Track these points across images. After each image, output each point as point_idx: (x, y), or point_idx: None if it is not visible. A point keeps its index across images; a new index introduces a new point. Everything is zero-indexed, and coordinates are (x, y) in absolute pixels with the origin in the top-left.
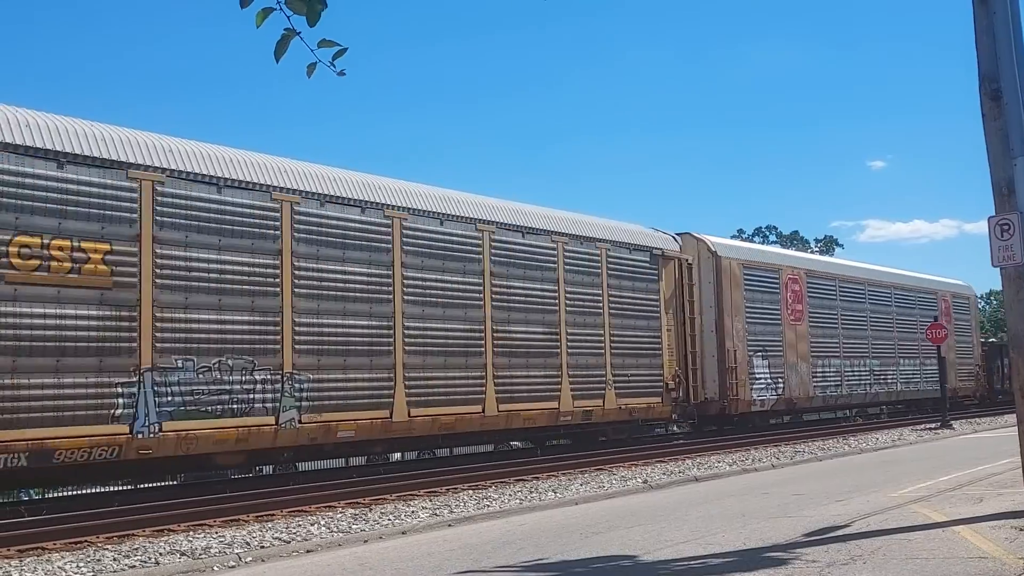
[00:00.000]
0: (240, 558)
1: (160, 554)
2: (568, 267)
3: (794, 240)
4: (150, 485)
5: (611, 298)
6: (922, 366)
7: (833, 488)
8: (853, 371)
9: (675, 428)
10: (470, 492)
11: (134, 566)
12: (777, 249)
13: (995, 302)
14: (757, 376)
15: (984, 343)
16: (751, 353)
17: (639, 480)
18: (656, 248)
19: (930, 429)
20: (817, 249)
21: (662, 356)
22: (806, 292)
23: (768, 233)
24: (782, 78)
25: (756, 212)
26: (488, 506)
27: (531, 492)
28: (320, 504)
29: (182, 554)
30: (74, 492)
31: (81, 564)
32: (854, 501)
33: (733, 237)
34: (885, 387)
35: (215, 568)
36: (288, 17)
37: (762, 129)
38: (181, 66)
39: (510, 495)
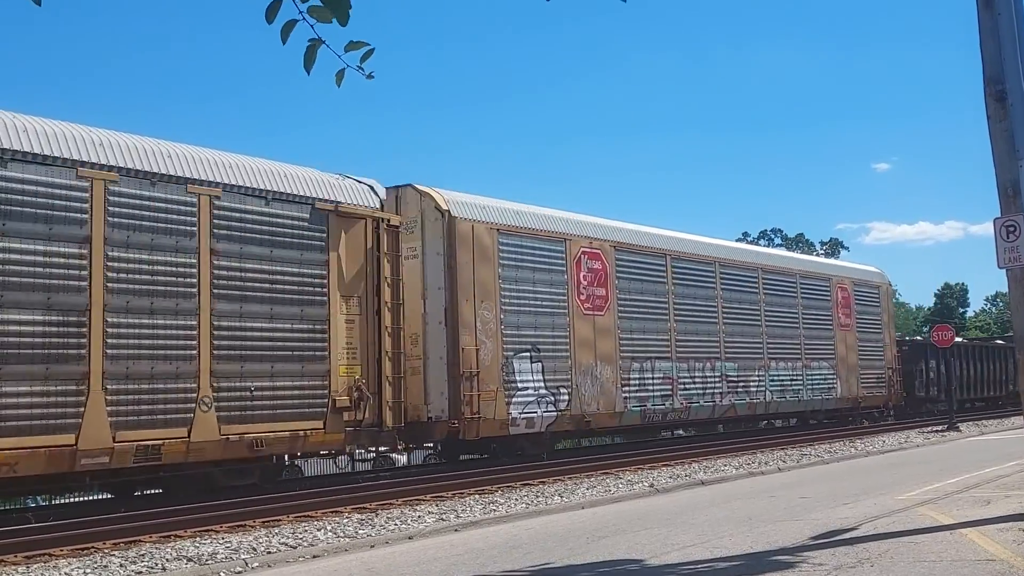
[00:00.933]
0: (247, 563)
1: (167, 560)
2: (118, 219)
3: (799, 243)
4: (155, 492)
5: (219, 270)
6: (806, 371)
7: (840, 491)
8: (693, 377)
9: (400, 460)
10: (476, 497)
11: (141, 572)
12: (562, 213)
13: (1001, 303)
14: (521, 385)
15: (904, 342)
16: (511, 354)
17: (645, 484)
18: (324, 200)
19: (937, 431)
20: (823, 252)
21: (329, 359)
22: (614, 272)
23: (773, 236)
24: (786, 81)
25: (761, 215)
26: (494, 511)
27: (537, 496)
28: (326, 509)
29: (189, 560)
30: (81, 499)
31: (88, 570)
32: (861, 504)
33: (738, 240)
34: (747, 398)
35: (222, 574)
36: (312, 26)
37: (766, 132)
38: (185, 69)
39: (516, 499)
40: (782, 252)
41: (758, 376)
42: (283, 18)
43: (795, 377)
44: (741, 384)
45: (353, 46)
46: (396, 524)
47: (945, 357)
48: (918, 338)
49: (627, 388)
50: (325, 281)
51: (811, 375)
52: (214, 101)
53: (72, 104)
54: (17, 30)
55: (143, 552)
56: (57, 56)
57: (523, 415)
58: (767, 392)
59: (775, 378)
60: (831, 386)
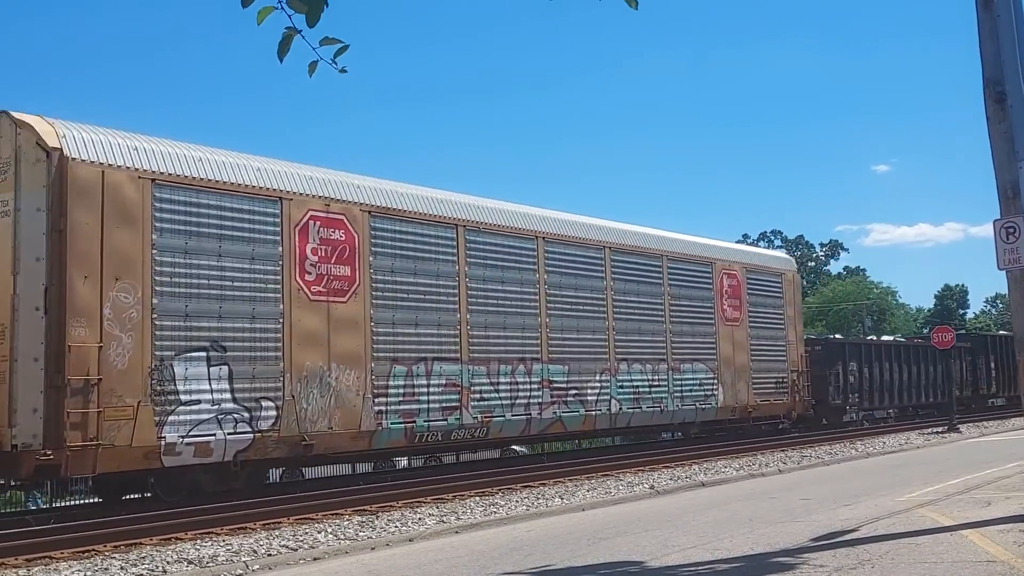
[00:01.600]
0: (247, 566)
1: (167, 562)
2: None
3: (799, 244)
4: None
5: None
6: (674, 375)
7: (841, 492)
8: (496, 384)
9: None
10: (477, 499)
11: (142, 574)
12: (279, 163)
13: (1001, 305)
14: (187, 398)
15: (816, 341)
16: (171, 354)
17: (646, 486)
18: None
19: (937, 433)
20: (822, 253)
21: None
22: (368, 246)
23: (773, 238)
24: (786, 82)
25: (761, 217)
26: (495, 512)
27: (538, 498)
28: (327, 511)
29: (189, 562)
30: (81, 501)
31: (88, 573)
32: (862, 505)
33: (738, 242)
34: (582, 409)
35: None
36: (290, 16)
37: (766, 133)
38: (179, 69)
39: (517, 501)
40: (642, 229)
41: (600, 382)
42: (260, 4)
43: (656, 383)
44: (573, 392)
45: (327, 41)
46: (397, 526)
47: (869, 359)
48: (837, 336)
49: (383, 399)
50: None
51: (681, 380)
52: (213, 101)
53: (70, 103)
54: (15, 29)
55: (144, 555)
56: (54, 55)
57: (190, 440)
58: (613, 401)
59: (626, 384)
60: (710, 393)
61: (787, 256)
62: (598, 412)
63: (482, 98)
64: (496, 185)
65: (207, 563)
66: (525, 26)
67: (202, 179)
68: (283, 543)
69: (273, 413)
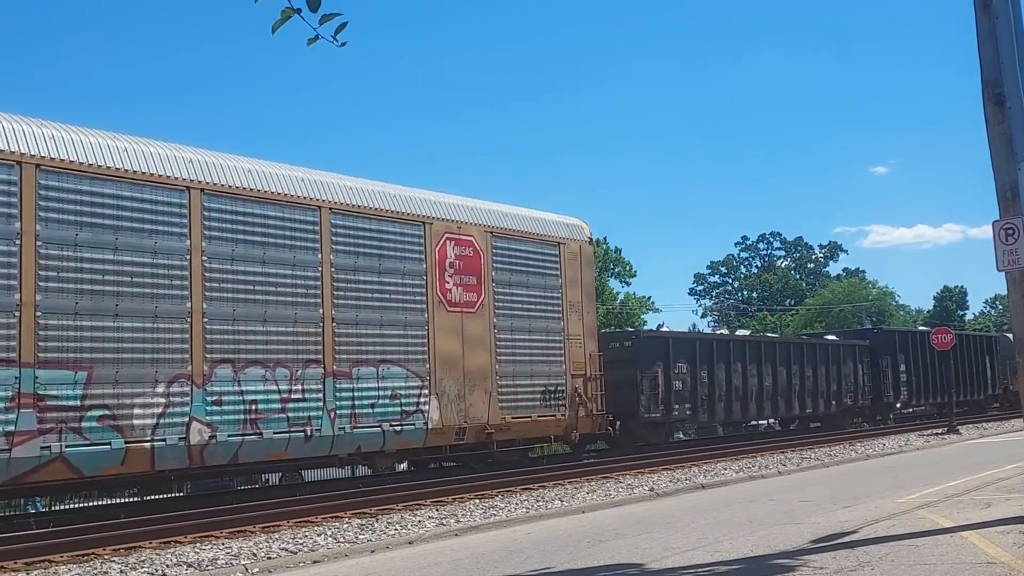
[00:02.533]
0: (247, 569)
1: (167, 566)
2: None
3: (798, 246)
4: (157, 497)
5: None
6: (337, 382)
7: (840, 494)
8: None
9: None
10: (476, 501)
11: None
12: None
13: (1000, 306)
14: None
15: (626, 334)
16: None
17: (645, 488)
18: None
19: (937, 434)
20: (821, 255)
21: None
22: None
23: (772, 240)
24: (784, 85)
25: (760, 219)
26: (495, 515)
27: (537, 501)
28: (326, 514)
29: (189, 566)
30: (81, 505)
31: None
32: (861, 507)
33: (736, 244)
34: (120, 440)
35: None
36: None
37: (764, 136)
38: (192, 76)
39: (516, 504)
40: (282, 168)
41: (169, 395)
42: None
43: (297, 395)
44: (100, 414)
45: (327, 18)
46: (396, 529)
47: (709, 359)
48: (663, 329)
49: None
50: None
51: (353, 391)
52: (219, 106)
53: (78, 107)
54: (22, 33)
55: (143, 558)
56: (65, 61)
57: None
58: (196, 425)
59: (228, 398)
60: (414, 409)
61: (573, 220)
62: (159, 443)
63: (478, 108)
64: (490, 193)
65: (206, 566)
66: (521, 36)
67: None
68: (282, 546)
69: None
